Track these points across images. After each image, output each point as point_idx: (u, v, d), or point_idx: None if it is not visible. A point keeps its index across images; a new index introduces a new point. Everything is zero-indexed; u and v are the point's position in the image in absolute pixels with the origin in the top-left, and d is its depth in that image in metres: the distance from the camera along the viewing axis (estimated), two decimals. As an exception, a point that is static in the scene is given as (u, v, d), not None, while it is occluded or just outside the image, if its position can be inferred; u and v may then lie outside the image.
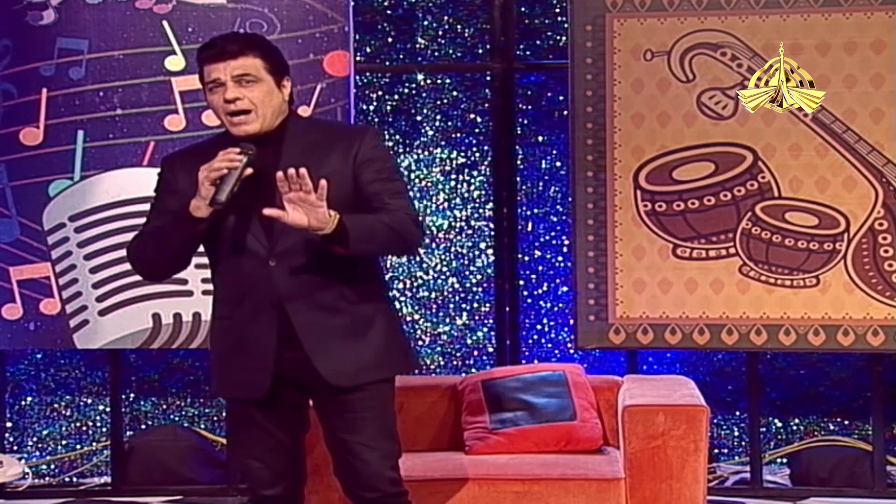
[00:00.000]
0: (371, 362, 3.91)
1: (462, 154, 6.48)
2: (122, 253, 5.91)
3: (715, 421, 6.24)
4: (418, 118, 6.49)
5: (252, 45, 3.88)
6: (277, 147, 3.89)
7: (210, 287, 5.93)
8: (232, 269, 3.90)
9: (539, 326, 6.48)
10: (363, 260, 3.91)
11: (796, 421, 6.35)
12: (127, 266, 5.94)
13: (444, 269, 6.50)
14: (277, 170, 3.73)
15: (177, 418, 6.53)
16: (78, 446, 6.52)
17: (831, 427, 6.31)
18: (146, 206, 5.93)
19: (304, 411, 4.05)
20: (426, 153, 6.48)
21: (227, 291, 3.94)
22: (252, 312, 3.86)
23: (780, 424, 6.36)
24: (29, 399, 6.52)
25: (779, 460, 6.34)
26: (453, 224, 6.48)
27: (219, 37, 3.96)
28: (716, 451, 6.31)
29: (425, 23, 6.49)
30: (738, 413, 6.36)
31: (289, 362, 3.87)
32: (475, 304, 6.50)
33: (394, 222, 3.83)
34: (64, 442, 6.52)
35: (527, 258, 6.45)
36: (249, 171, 3.79)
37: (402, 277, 6.49)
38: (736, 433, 6.38)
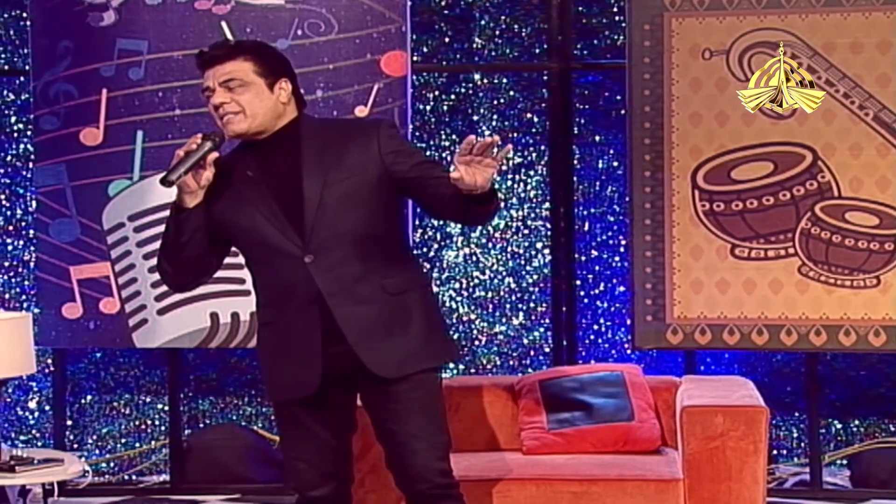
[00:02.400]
0: (414, 352, 3.92)
1: (519, 154, 6.47)
2: (181, 252, 6.05)
3: (774, 422, 6.21)
4: (475, 118, 6.49)
5: (240, 50, 3.93)
6: (294, 146, 3.91)
7: (268, 286, 6.01)
8: (269, 273, 3.91)
9: (596, 326, 6.46)
10: (399, 252, 3.96)
11: (856, 422, 6.30)
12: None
13: (501, 268, 6.50)
14: (296, 168, 3.83)
15: (234, 417, 6.57)
16: (137, 445, 6.57)
17: (892, 428, 6.26)
18: (204, 206, 6.07)
19: (350, 411, 4.06)
20: (483, 153, 6.46)
21: (268, 295, 3.95)
22: (294, 312, 3.88)
23: (839, 426, 6.32)
24: (89, 398, 6.57)
25: (839, 462, 6.29)
26: (510, 224, 6.47)
27: (213, 43, 4.04)
28: (775, 452, 6.28)
29: (482, 22, 6.48)
30: (797, 414, 6.32)
31: (335, 357, 3.87)
32: (532, 304, 6.49)
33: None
34: (123, 440, 6.57)
35: (583, 258, 6.44)
36: (215, 154, 3.84)
37: (458, 277, 6.49)
38: (795, 434, 6.34)
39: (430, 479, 3.94)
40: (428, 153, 6.02)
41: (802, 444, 6.30)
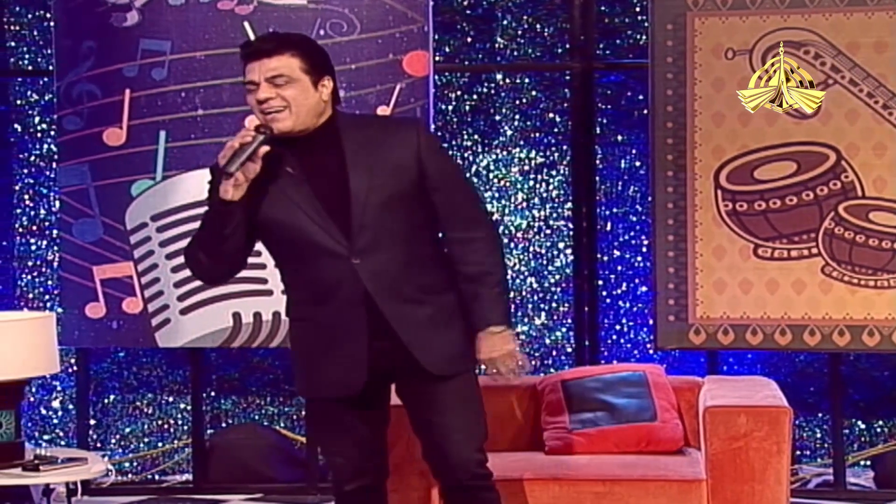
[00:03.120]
0: (461, 351, 3.98)
1: (541, 154, 6.47)
2: (204, 252, 6.06)
3: (797, 422, 6.19)
4: (497, 118, 6.49)
5: (288, 45, 3.88)
6: (336, 144, 3.91)
7: (290, 286, 6.02)
8: (310, 271, 3.90)
9: (618, 327, 6.46)
10: (434, 252, 3.99)
11: (880, 423, 6.28)
12: (208, 265, 6.06)
13: (523, 268, 6.49)
14: (340, 167, 3.83)
15: (257, 417, 6.58)
16: (160, 444, 6.58)
17: (916, 429, 6.25)
18: (227, 206, 6.08)
19: (385, 405, 4.09)
20: (505, 153, 6.47)
21: (306, 293, 3.94)
22: (338, 310, 3.88)
23: (863, 426, 6.30)
24: (112, 397, 6.59)
25: (862, 462, 6.27)
26: (532, 224, 6.47)
27: (259, 36, 4.03)
28: (798, 452, 6.26)
29: (504, 22, 6.48)
30: (820, 414, 6.30)
31: (380, 353, 3.90)
32: (554, 304, 6.49)
33: (494, 266, 4.01)
34: (146, 440, 6.59)
35: (606, 258, 6.43)
36: (266, 148, 3.81)
37: (480, 277, 6.48)
38: (819, 435, 6.32)
39: (471, 469, 4.01)
40: (451, 153, 6.01)
41: (826, 445, 6.29)
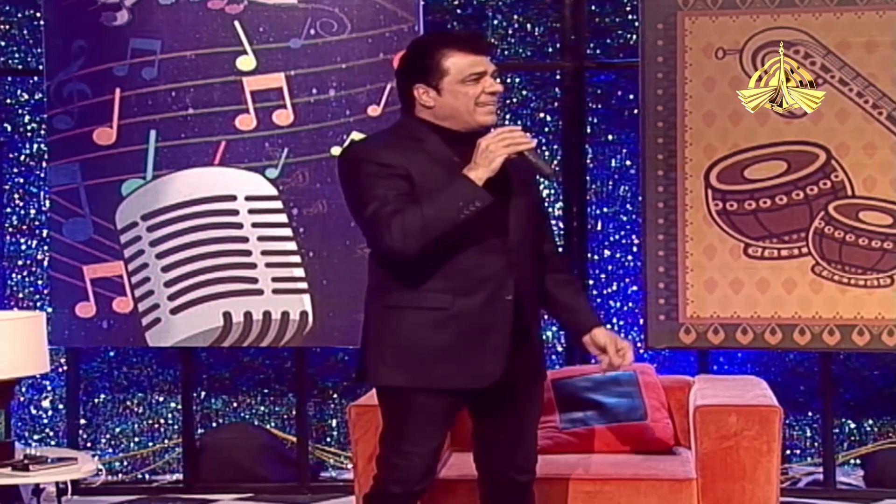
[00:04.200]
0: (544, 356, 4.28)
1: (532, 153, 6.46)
2: (193, 252, 6.08)
3: (787, 422, 6.19)
4: (488, 117, 6.47)
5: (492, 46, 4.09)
6: None
7: (282, 286, 6.02)
8: (461, 259, 3.90)
9: (609, 326, 6.44)
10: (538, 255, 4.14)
11: (870, 422, 6.29)
12: (197, 265, 6.09)
13: (514, 268, 6.49)
14: (551, 179, 4.22)
15: (247, 416, 6.57)
16: (150, 444, 6.58)
17: (906, 428, 6.26)
18: (217, 206, 6.09)
19: None
20: (496, 152, 6.46)
21: (449, 282, 3.91)
22: (486, 303, 3.92)
23: (853, 425, 6.31)
24: (102, 396, 6.58)
25: (852, 462, 6.28)
26: (523, 223, 6.46)
27: (462, 32, 4.18)
28: (788, 451, 6.27)
29: (495, 22, 6.48)
30: (810, 414, 6.31)
31: (514, 353, 3.97)
32: (544, 304, 6.48)
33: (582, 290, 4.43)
34: (136, 439, 6.58)
35: (596, 257, 6.43)
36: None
37: (471, 276, 6.48)
38: (809, 434, 6.33)
39: (534, 470, 4.22)
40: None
41: (816, 444, 6.29)
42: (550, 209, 6.42)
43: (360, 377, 4.07)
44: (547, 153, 6.45)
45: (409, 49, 4.06)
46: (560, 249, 4.30)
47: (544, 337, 6.43)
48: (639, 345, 6.30)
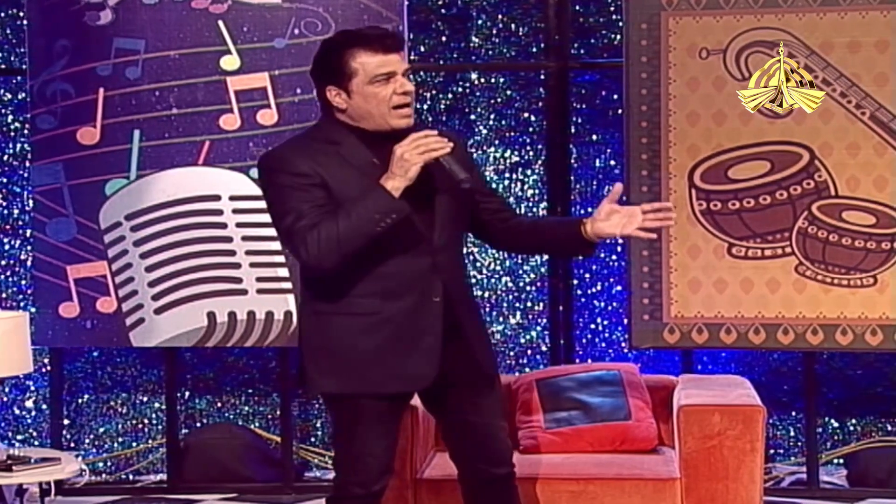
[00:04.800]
0: (494, 353, 4.24)
1: (516, 153, 6.47)
2: (177, 252, 6.07)
3: (771, 421, 6.21)
4: (472, 117, 6.49)
5: (403, 42, 3.97)
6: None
7: (266, 286, 6.02)
8: (387, 263, 3.87)
9: (593, 326, 6.46)
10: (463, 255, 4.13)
11: (853, 421, 6.31)
12: (182, 265, 6.08)
13: (498, 268, 6.50)
14: (466, 185, 3.83)
15: (231, 416, 6.56)
16: (134, 444, 6.57)
17: (889, 427, 6.26)
18: (202, 206, 6.08)
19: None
20: (480, 152, 6.47)
21: (376, 285, 3.88)
22: (415, 305, 3.90)
23: (836, 425, 6.32)
24: (86, 397, 6.57)
25: (836, 461, 6.29)
26: (507, 223, 6.46)
27: (376, 29, 3.97)
28: (772, 451, 6.28)
29: (479, 22, 6.48)
30: (794, 413, 6.32)
31: (448, 353, 3.94)
32: (529, 304, 6.49)
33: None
34: (120, 439, 6.57)
35: (581, 257, 6.43)
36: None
37: (455, 276, 6.48)
38: (792, 433, 6.34)
39: (510, 462, 4.20)
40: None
41: (799, 444, 6.31)
42: (535, 209, 6.43)
43: (300, 385, 4.06)
44: (531, 153, 6.46)
45: (319, 49, 3.96)
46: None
47: (529, 336, 6.44)
48: (623, 344, 6.31)
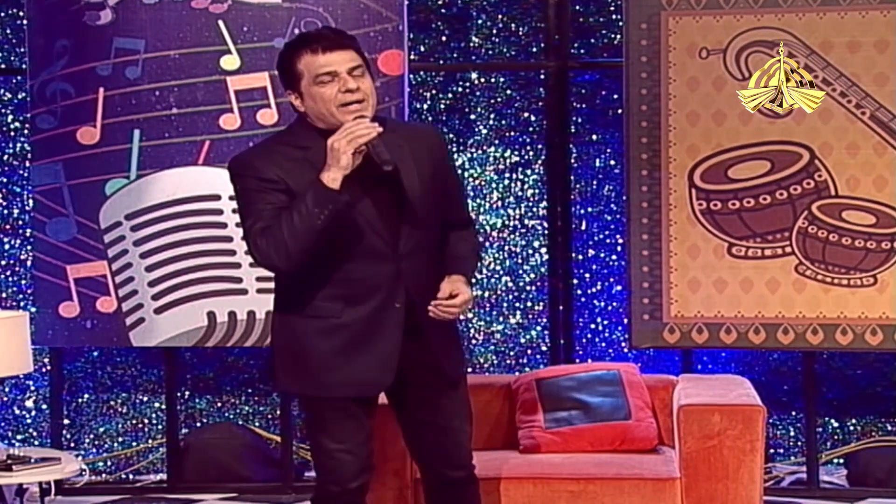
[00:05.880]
0: (460, 356, 4.19)
1: (516, 153, 6.47)
2: (177, 251, 6.07)
3: (771, 421, 6.21)
4: (472, 117, 6.49)
5: (351, 39, 3.94)
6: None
7: (266, 286, 6.02)
8: (349, 270, 3.91)
9: (593, 325, 6.46)
10: (440, 259, 4.07)
11: (853, 421, 6.31)
12: (181, 264, 6.08)
13: (498, 267, 6.50)
14: (388, 167, 3.80)
15: (231, 416, 6.56)
16: (134, 443, 6.57)
17: (889, 427, 6.26)
18: (202, 205, 6.08)
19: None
20: (480, 152, 6.47)
21: (337, 291, 3.92)
22: (375, 311, 3.92)
23: (836, 425, 6.32)
24: (86, 396, 6.57)
25: (835, 461, 6.29)
26: (507, 223, 6.47)
27: (322, 29, 4.00)
28: (772, 451, 6.28)
29: (479, 21, 6.48)
30: (794, 413, 6.32)
31: (409, 355, 3.97)
32: (529, 303, 6.49)
33: (475, 245, 4.22)
34: (120, 439, 6.57)
35: (581, 257, 6.44)
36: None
37: (455, 276, 6.48)
38: (792, 433, 6.34)
39: (468, 465, 4.21)
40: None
41: (799, 443, 6.31)
42: (534, 209, 6.43)
43: (271, 380, 4.11)
44: (531, 153, 6.46)
45: (278, 55, 4.01)
46: (472, 233, 4.23)
47: (529, 336, 6.44)
48: (623, 344, 6.31)
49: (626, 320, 6.12)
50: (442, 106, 6.49)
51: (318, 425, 4.03)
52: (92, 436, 6.56)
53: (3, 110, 6.55)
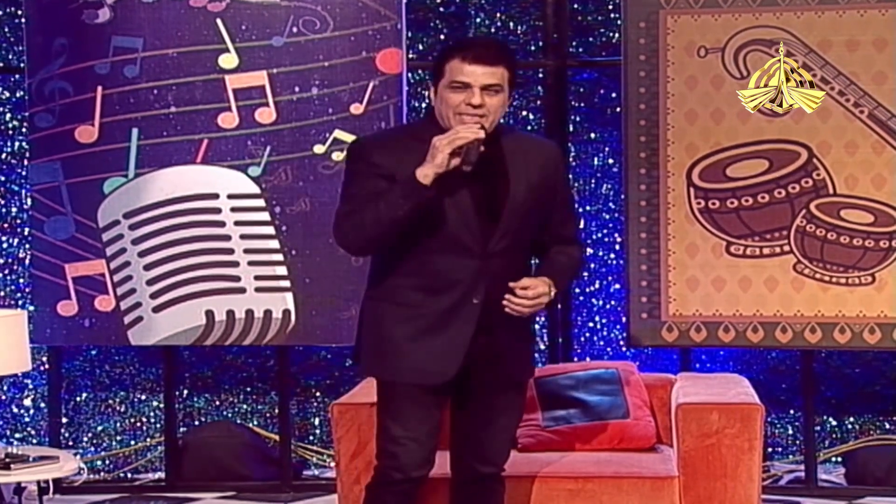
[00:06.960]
0: (531, 367, 4.29)
1: (514, 151, 6.46)
2: (176, 250, 6.07)
3: (769, 419, 6.21)
4: (470, 115, 6.47)
5: (507, 56, 4.02)
6: (498, 153, 4.00)
7: (264, 284, 6.02)
8: (435, 261, 3.98)
9: (591, 324, 6.46)
10: (530, 266, 4.16)
11: (851, 420, 6.31)
12: (180, 263, 6.09)
13: (497, 266, 6.48)
14: (501, 173, 3.95)
15: (230, 415, 6.56)
16: (132, 442, 6.56)
17: (887, 426, 6.26)
18: (200, 204, 6.09)
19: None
20: (478, 150, 6.46)
21: (418, 280, 4.01)
22: (453, 304, 3.99)
23: (834, 423, 6.32)
24: (84, 395, 6.57)
25: (834, 459, 6.30)
26: (505, 221, 6.46)
27: (484, 39, 4.23)
28: (770, 449, 6.28)
29: (478, 20, 6.48)
30: (792, 412, 6.33)
31: (477, 351, 4.01)
32: (527, 302, 6.48)
33: (574, 259, 4.23)
34: (118, 438, 6.57)
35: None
36: (482, 148, 3.89)
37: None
38: (790, 432, 6.34)
39: (499, 464, 4.25)
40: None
41: (797, 442, 6.31)
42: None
43: (354, 361, 4.25)
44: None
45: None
46: (578, 253, 4.28)
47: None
48: (621, 343, 6.31)
49: (624, 319, 6.12)
50: (440, 104, 6.48)
51: (387, 410, 4.10)
52: (90, 434, 6.56)
53: (1, 109, 6.55)
